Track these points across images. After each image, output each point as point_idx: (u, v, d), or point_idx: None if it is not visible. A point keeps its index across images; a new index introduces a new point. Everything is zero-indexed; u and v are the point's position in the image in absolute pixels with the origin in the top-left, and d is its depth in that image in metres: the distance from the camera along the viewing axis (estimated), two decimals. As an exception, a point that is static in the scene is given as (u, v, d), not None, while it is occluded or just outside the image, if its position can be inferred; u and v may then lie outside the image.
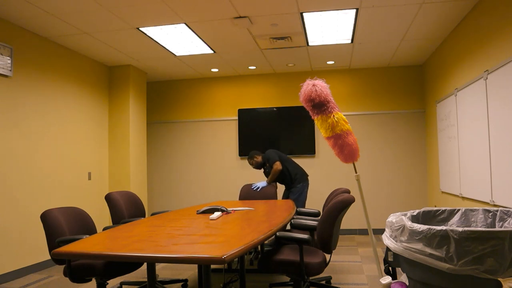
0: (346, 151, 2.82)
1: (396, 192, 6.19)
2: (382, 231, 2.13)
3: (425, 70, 6.05)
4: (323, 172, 6.33)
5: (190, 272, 4.20)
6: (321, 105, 2.77)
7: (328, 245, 2.77)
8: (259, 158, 4.99)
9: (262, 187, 4.89)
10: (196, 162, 6.78)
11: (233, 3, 3.84)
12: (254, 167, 5.05)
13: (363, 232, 6.14)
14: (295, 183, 4.87)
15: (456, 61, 4.61)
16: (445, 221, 2.44)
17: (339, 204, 2.75)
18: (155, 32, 4.55)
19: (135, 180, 5.87)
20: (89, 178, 5.37)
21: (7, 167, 4.06)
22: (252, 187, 4.95)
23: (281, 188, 5.06)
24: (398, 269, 2.05)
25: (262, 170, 5.10)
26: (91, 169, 5.41)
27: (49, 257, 4.25)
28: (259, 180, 6.26)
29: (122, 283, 3.66)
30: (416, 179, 6.15)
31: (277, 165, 4.80)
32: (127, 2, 3.75)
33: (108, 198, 3.61)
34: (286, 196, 4.97)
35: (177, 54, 5.43)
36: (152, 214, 3.66)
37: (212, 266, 3.45)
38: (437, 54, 5.37)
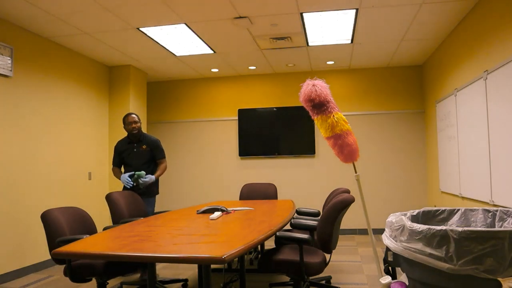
0: (346, 151, 2.83)
1: (396, 192, 6.18)
2: (382, 231, 2.14)
3: (425, 70, 6.05)
4: (323, 172, 6.33)
5: (190, 272, 4.20)
6: (321, 105, 2.78)
7: (328, 245, 2.77)
8: (140, 126, 4.24)
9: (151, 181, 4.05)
10: (196, 162, 6.78)
11: (233, 3, 3.84)
12: (132, 130, 4.14)
13: (363, 232, 6.14)
14: (154, 193, 4.26)
15: (456, 61, 4.61)
16: (444, 221, 2.45)
17: (339, 204, 2.75)
18: (155, 32, 4.55)
19: (135, 180, 5.86)
20: (89, 178, 5.37)
21: (7, 167, 4.06)
22: (142, 180, 3.95)
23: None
24: (398, 269, 2.05)
25: (129, 149, 4.20)
26: (91, 169, 5.41)
27: (49, 257, 4.24)
28: (259, 180, 6.27)
29: (122, 283, 3.66)
30: (416, 179, 6.15)
31: (166, 163, 4.29)
32: (127, 2, 3.75)
33: (108, 198, 3.62)
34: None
35: (177, 54, 5.43)
36: (153, 214, 3.67)
37: (212, 266, 3.45)
38: (437, 54, 5.37)
